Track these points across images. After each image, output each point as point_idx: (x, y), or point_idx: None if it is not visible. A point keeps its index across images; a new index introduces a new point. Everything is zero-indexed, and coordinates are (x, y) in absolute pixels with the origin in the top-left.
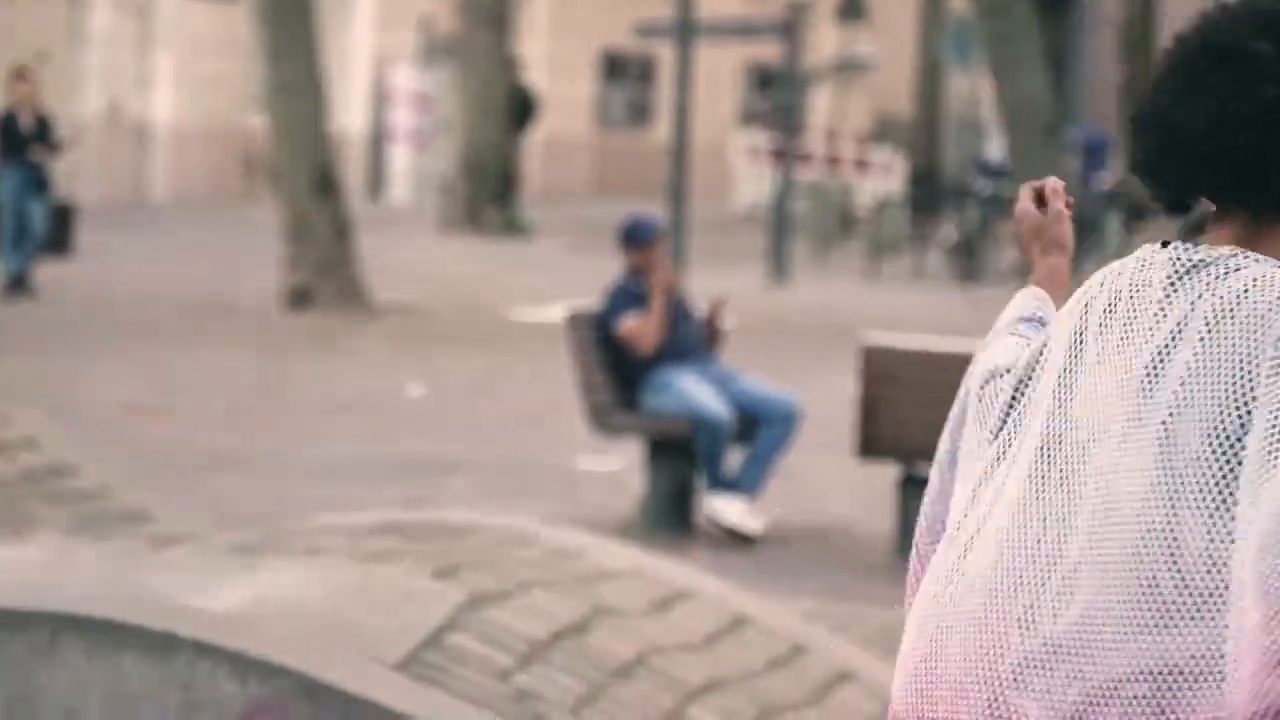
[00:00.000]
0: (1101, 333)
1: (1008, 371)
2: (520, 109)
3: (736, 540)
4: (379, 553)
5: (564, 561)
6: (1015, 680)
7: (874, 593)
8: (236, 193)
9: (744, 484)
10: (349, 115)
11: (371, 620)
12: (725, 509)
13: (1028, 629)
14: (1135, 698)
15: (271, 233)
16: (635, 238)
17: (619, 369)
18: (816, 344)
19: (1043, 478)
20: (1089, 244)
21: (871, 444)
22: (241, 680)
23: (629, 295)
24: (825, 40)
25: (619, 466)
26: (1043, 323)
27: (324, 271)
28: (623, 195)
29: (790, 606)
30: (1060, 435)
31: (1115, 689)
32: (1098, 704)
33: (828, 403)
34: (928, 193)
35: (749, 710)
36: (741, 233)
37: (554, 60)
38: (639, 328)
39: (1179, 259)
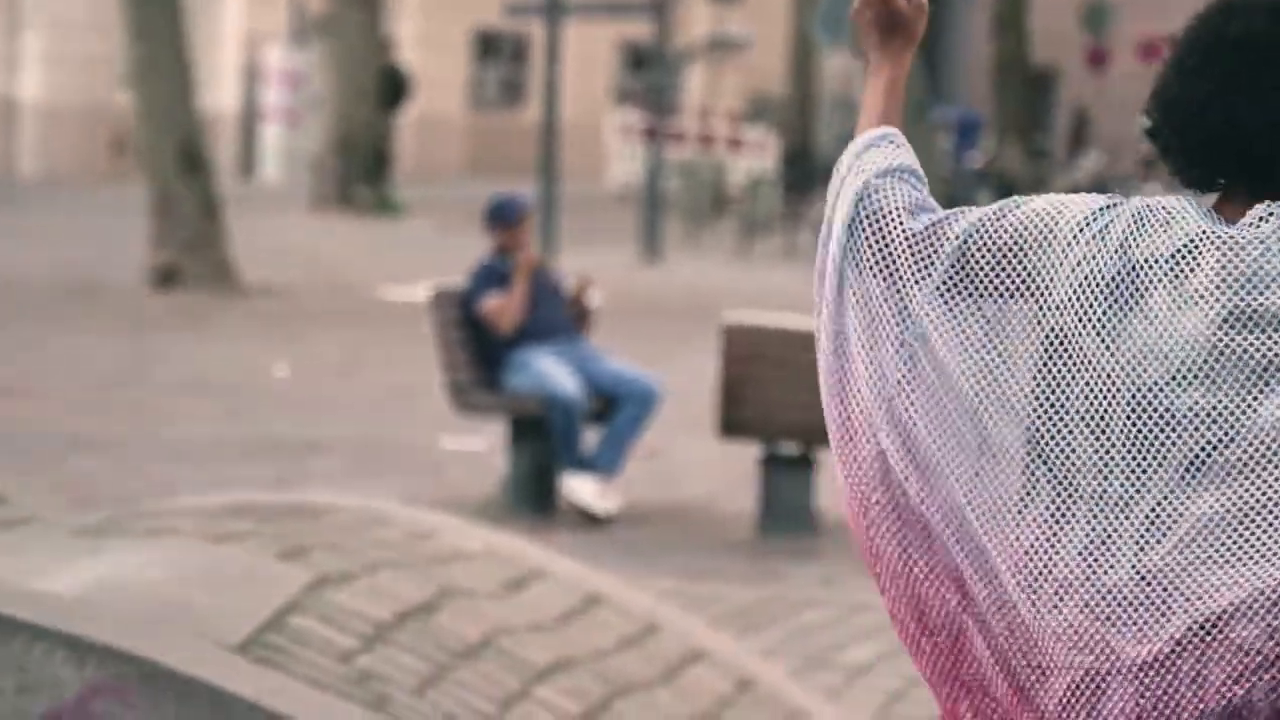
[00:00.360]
0: (1177, 277)
1: (921, 208)
2: (392, 88)
3: (590, 520)
4: (227, 534)
5: (416, 542)
6: (1109, 612)
7: (734, 571)
8: (105, 172)
9: (600, 464)
10: (220, 94)
11: (214, 602)
12: (579, 488)
13: (1116, 563)
14: (1249, 625)
15: (140, 212)
16: (500, 217)
17: (481, 348)
18: (686, 323)
19: (1107, 405)
20: None
21: (733, 423)
22: (79, 664)
23: (493, 274)
24: (698, 19)
25: (483, 446)
26: (920, 178)
27: (191, 251)
28: (496, 175)
29: (648, 586)
30: (1124, 375)
31: (1226, 618)
32: (1205, 634)
33: (695, 382)
34: (801, 171)
35: (597, 689)
36: (615, 212)
37: (426, 39)
38: (500, 307)
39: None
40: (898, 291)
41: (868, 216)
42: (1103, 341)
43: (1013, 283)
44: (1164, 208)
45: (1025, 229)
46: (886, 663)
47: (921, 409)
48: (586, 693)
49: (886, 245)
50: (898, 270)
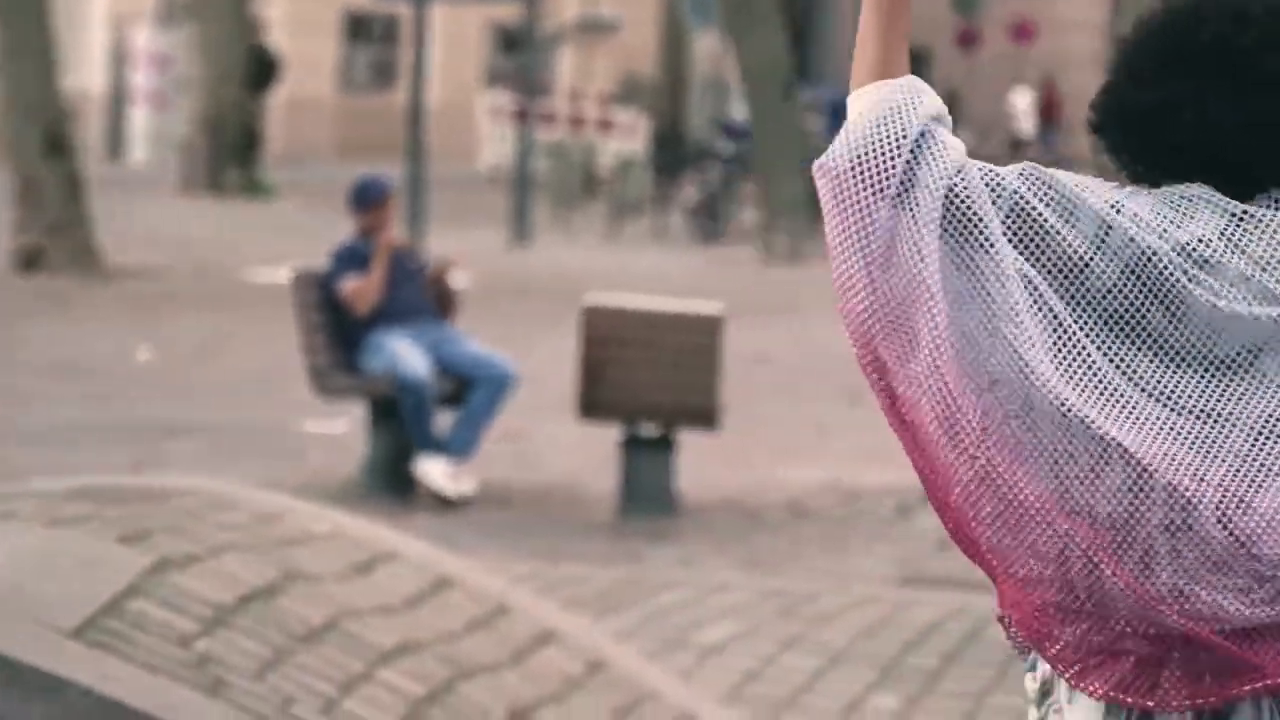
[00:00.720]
0: (1230, 254)
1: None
2: (261, 70)
3: (444, 503)
4: (67, 518)
5: (262, 526)
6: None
7: (593, 553)
8: None
9: (453, 446)
10: (87, 76)
11: (51, 587)
12: (430, 471)
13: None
14: None
15: (3, 196)
16: (362, 199)
17: (340, 330)
18: (554, 305)
19: (1177, 380)
20: None
21: (593, 405)
22: None
23: (354, 256)
24: (569, 1)
25: (344, 429)
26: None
27: (55, 234)
28: (367, 157)
29: (506, 568)
30: (1193, 345)
31: None
32: None
33: (560, 364)
34: (671, 154)
35: (441, 671)
36: (485, 194)
37: (295, 20)
38: (358, 289)
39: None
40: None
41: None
42: (1169, 317)
43: (1056, 256)
44: (1181, 195)
45: (1062, 200)
46: (742, 643)
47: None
48: (430, 675)
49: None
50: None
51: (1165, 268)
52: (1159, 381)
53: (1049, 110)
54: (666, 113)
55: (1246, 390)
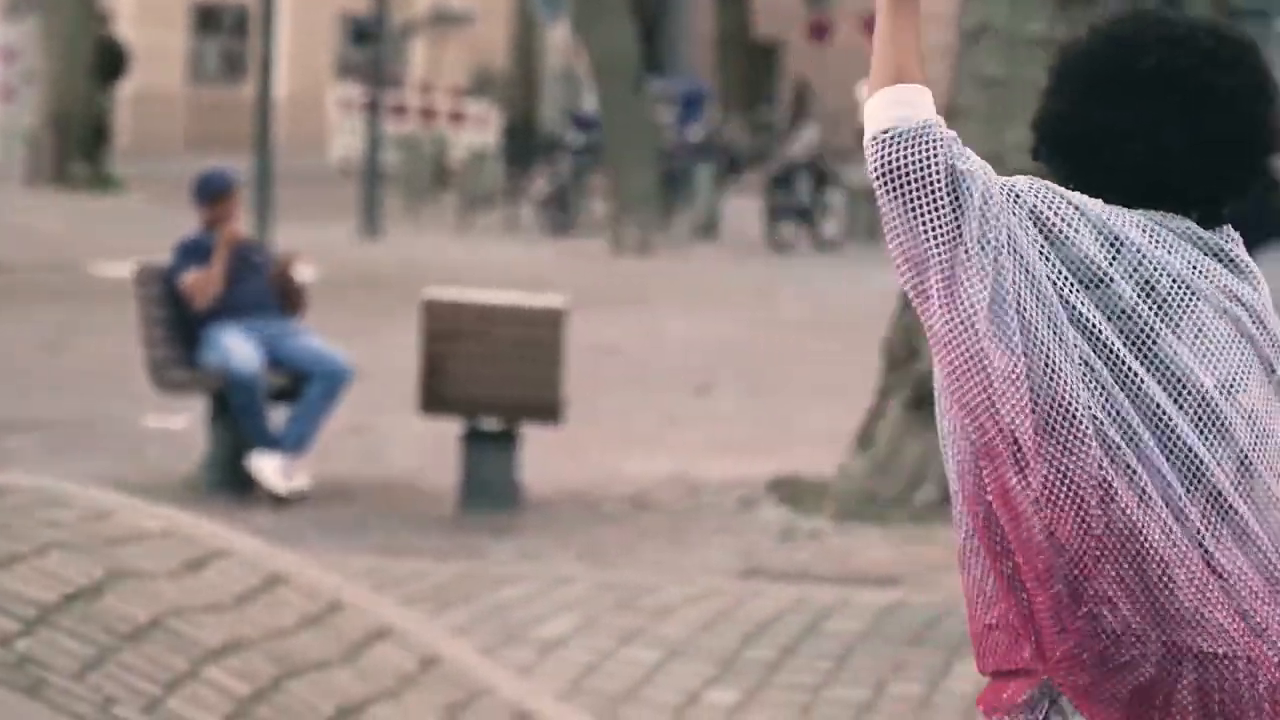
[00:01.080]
0: (1207, 281)
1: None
2: (109, 62)
3: (278, 499)
4: None
5: (91, 523)
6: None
7: (435, 547)
8: None
9: (286, 442)
10: None
11: None
12: (262, 467)
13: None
14: None
15: None
16: (206, 192)
17: (182, 324)
18: (402, 298)
19: (1178, 403)
20: (681, 196)
21: (435, 399)
22: None
23: (197, 249)
24: None
25: (185, 425)
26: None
27: None
28: (217, 149)
29: (346, 563)
30: (1184, 376)
31: None
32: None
33: (405, 357)
34: (522, 146)
35: (270, 670)
36: (336, 186)
37: (144, 11)
38: (197, 281)
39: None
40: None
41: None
42: (1177, 338)
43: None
44: (1155, 223)
45: (1073, 212)
46: (581, 637)
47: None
48: (258, 673)
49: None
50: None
51: (1168, 291)
52: (1158, 407)
53: None
54: (518, 105)
55: (1225, 427)
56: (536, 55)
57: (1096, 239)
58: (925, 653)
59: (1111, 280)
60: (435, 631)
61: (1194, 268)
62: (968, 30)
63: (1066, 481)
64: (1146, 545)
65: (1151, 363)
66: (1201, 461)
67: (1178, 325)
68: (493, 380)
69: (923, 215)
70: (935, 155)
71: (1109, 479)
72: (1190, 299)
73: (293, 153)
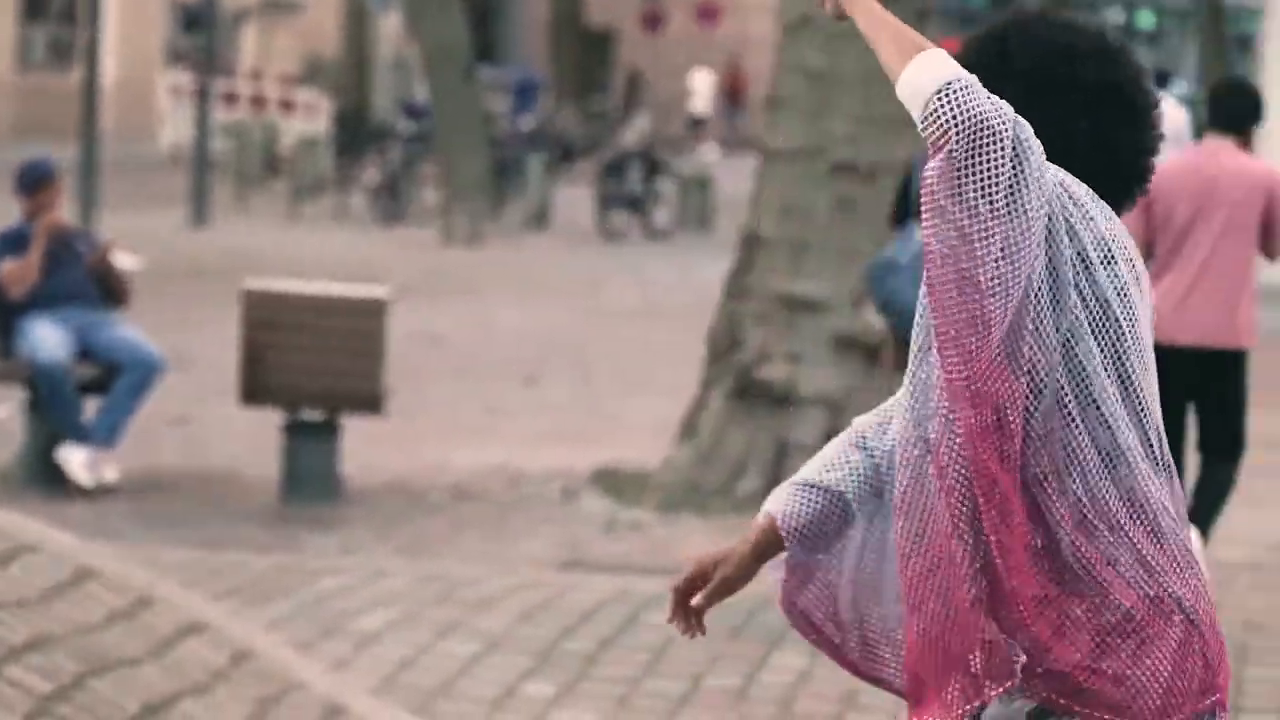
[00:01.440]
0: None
1: None
2: None
3: (85, 492)
4: None
5: None
6: None
7: (254, 540)
8: None
9: (95, 434)
10: None
11: None
12: (69, 459)
13: None
14: None
15: None
16: (26, 182)
17: (1, 315)
18: (229, 288)
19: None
20: (513, 185)
21: (255, 390)
22: None
23: (17, 240)
24: None
25: (4, 415)
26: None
27: None
28: (45, 137)
29: (164, 556)
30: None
31: None
32: None
33: (230, 348)
34: (353, 134)
35: (74, 667)
36: (166, 174)
37: None
38: (12, 271)
39: None
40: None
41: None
42: (1144, 314)
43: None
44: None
45: (1087, 192)
46: (398, 630)
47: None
48: (61, 670)
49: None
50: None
51: (1115, 254)
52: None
53: (735, 91)
54: (350, 93)
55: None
56: (368, 43)
57: (1105, 218)
58: (743, 645)
59: (1116, 261)
60: (249, 626)
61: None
62: (789, 22)
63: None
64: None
65: (1136, 339)
66: (1159, 427)
67: (1142, 303)
68: (314, 371)
69: (989, 164)
70: (1004, 106)
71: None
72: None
73: (122, 140)
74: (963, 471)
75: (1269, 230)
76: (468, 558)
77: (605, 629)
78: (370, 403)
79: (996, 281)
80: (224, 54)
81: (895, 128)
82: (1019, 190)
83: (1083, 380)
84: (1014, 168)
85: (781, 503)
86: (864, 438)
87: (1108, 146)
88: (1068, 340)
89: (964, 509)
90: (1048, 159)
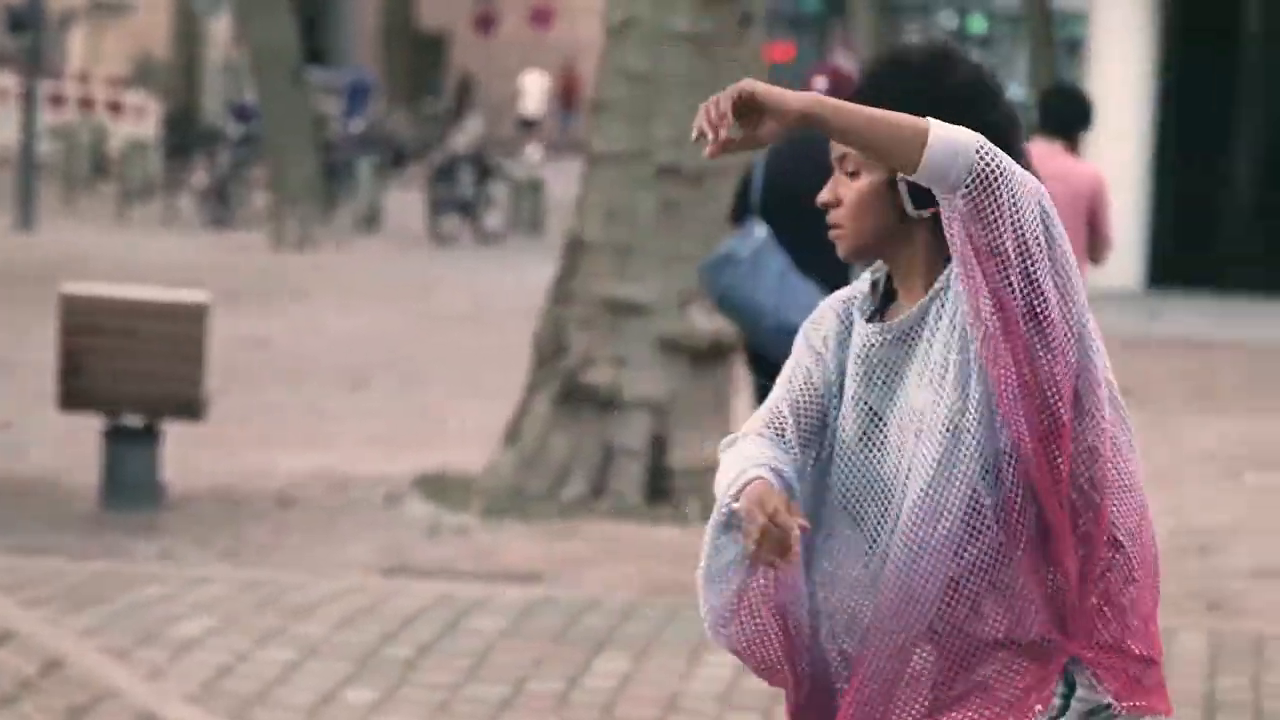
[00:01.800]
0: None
1: None
2: None
3: None
4: None
5: None
6: None
7: (73, 547)
8: None
9: None
10: None
11: None
12: None
13: None
14: None
15: None
16: None
17: None
18: (53, 292)
19: None
20: (344, 188)
21: (74, 396)
22: None
23: None
24: None
25: None
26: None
27: None
28: None
29: None
30: None
31: None
32: None
33: (52, 353)
34: (183, 136)
35: None
36: None
37: None
38: None
39: None
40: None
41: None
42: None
43: None
44: None
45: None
46: (217, 637)
47: None
48: None
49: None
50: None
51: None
52: None
53: (568, 94)
54: (180, 95)
55: None
56: (198, 45)
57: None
58: (566, 649)
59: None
60: (62, 634)
61: None
62: (614, 25)
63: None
64: (1141, 494)
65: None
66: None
67: None
68: (134, 376)
69: (1021, 212)
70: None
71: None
72: None
73: None
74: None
75: (1094, 233)
76: (290, 564)
77: (426, 634)
78: (191, 408)
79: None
80: (52, 56)
81: None
82: (1044, 229)
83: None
84: (1037, 212)
85: (764, 471)
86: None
87: None
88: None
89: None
90: None
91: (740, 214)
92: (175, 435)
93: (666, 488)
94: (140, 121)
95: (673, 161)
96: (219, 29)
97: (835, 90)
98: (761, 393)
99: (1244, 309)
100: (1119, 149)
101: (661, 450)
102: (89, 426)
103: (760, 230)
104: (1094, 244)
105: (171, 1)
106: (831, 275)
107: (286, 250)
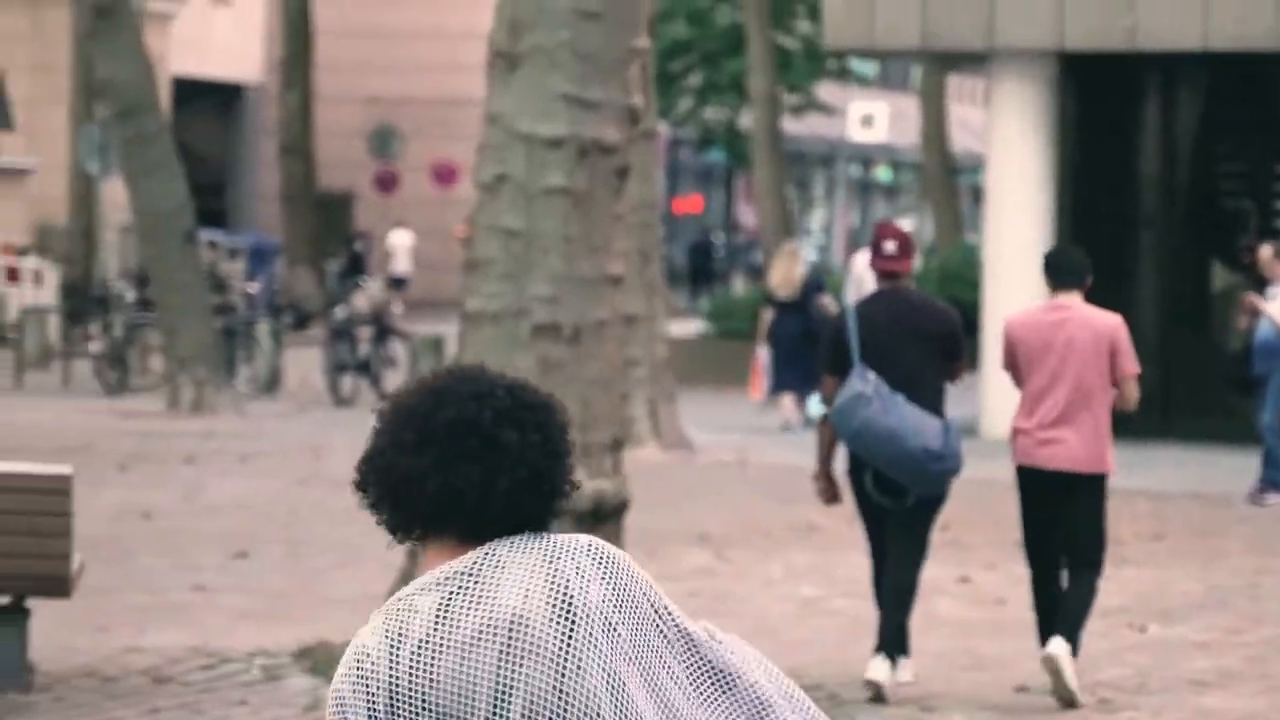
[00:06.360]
0: None
1: None
2: None
3: None
4: None
5: None
6: None
7: None
8: None
9: None
10: None
11: None
12: None
13: None
14: None
15: None
16: None
17: None
18: None
19: None
20: (244, 351)
21: None
22: None
23: None
24: None
25: None
26: None
27: None
28: None
29: None
30: None
31: None
32: None
33: None
34: (80, 302)
35: None
36: None
37: None
38: None
39: None
40: None
41: None
42: None
43: None
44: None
45: None
46: None
47: None
48: None
49: None
50: None
51: None
52: None
53: None
54: (79, 260)
55: None
56: (95, 208)
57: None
58: None
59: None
60: None
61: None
62: (486, 181)
63: None
64: None
65: None
66: None
67: None
68: (2, 554)
69: None
70: None
71: None
72: None
73: None
74: None
75: (1116, 370)
76: None
77: None
78: (58, 585)
79: None
80: None
81: (596, 288)
82: None
83: None
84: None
85: None
86: None
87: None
88: None
89: None
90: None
91: (837, 364)
92: (44, 613)
93: None
94: (37, 288)
95: (549, 320)
96: (116, 191)
97: (903, 250)
98: (864, 509)
99: (1145, 456)
100: (1018, 297)
101: None
102: None
103: (869, 373)
104: (1120, 386)
105: (68, 166)
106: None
107: (182, 415)
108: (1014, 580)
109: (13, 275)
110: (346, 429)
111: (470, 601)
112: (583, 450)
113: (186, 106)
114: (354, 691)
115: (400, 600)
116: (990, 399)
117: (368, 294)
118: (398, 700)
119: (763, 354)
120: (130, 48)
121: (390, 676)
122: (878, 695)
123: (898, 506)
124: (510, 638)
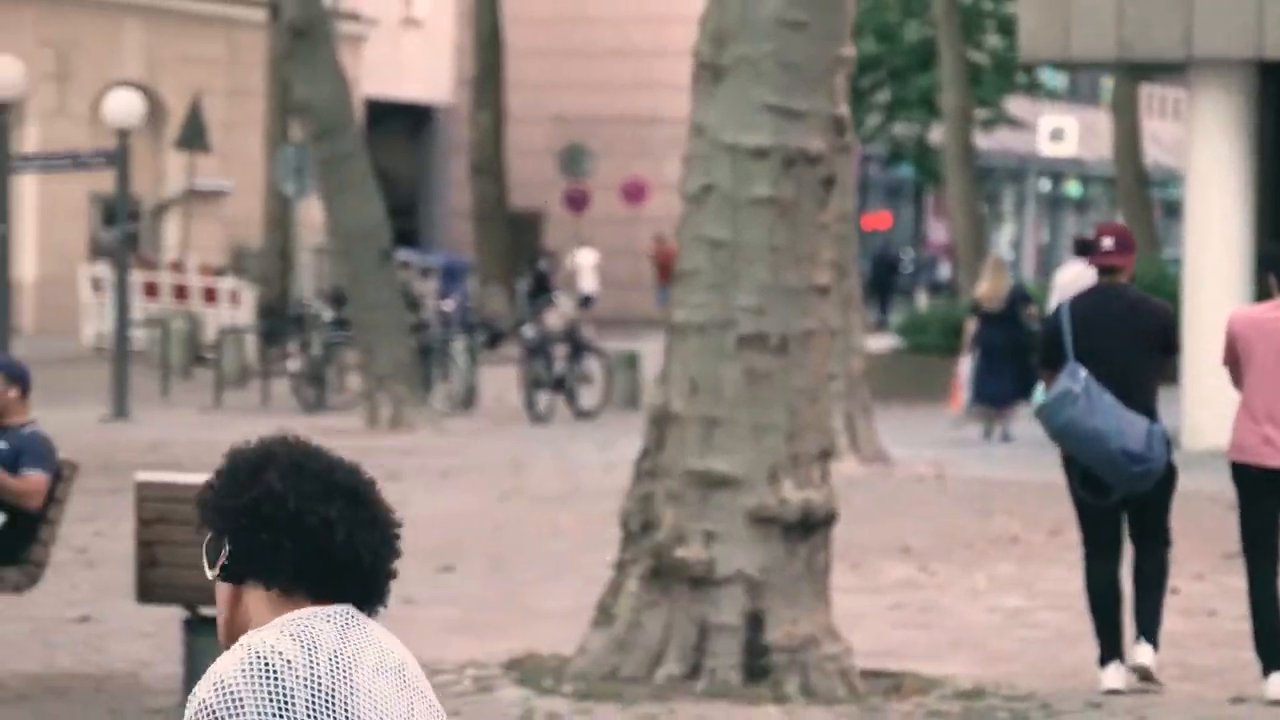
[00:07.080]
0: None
1: None
2: None
3: None
4: None
5: None
6: None
7: None
8: None
9: None
10: None
11: None
12: None
13: None
14: None
15: None
16: None
17: None
18: None
19: None
20: (439, 369)
21: (151, 587)
22: None
23: None
24: (174, 169)
25: None
26: None
27: None
28: None
29: None
30: None
31: None
32: None
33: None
34: (277, 321)
35: None
36: (91, 367)
37: None
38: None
39: None
40: None
41: None
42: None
43: None
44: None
45: None
46: None
47: None
48: None
49: None
50: None
51: None
52: None
53: (664, 268)
54: (274, 280)
55: None
56: (290, 229)
57: None
58: None
59: None
60: None
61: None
62: (692, 192)
63: None
64: None
65: None
66: None
67: None
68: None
69: None
70: None
71: None
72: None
73: (45, 335)
74: None
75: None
76: None
77: None
78: None
79: None
80: (148, 245)
81: (802, 298)
82: None
83: None
84: None
85: None
86: None
87: None
88: None
89: None
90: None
91: (1051, 360)
92: None
93: (765, 665)
94: (234, 307)
95: (756, 330)
96: (311, 212)
97: (1121, 245)
98: (1084, 509)
99: None
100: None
101: (758, 626)
102: (172, 617)
103: (1081, 370)
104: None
105: (263, 187)
106: (1131, 407)
107: (380, 432)
108: (1224, 591)
109: (210, 296)
110: (544, 445)
111: (362, 635)
112: (791, 460)
113: (378, 128)
114: (255, 687)
115: (296, 618)
116: (1192, 411)
117: (560, 311)
118: (318, 697)
119: (965, 365)
120: (327, 68)
121: (310, 675)
122: (1146, 675)
123: (1101, 503)
124: (402, 678)
